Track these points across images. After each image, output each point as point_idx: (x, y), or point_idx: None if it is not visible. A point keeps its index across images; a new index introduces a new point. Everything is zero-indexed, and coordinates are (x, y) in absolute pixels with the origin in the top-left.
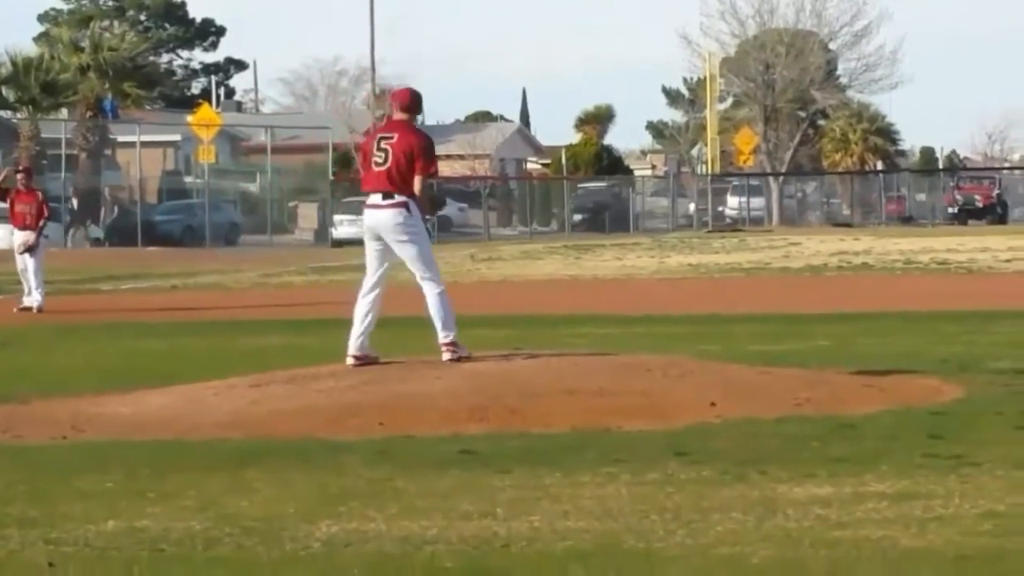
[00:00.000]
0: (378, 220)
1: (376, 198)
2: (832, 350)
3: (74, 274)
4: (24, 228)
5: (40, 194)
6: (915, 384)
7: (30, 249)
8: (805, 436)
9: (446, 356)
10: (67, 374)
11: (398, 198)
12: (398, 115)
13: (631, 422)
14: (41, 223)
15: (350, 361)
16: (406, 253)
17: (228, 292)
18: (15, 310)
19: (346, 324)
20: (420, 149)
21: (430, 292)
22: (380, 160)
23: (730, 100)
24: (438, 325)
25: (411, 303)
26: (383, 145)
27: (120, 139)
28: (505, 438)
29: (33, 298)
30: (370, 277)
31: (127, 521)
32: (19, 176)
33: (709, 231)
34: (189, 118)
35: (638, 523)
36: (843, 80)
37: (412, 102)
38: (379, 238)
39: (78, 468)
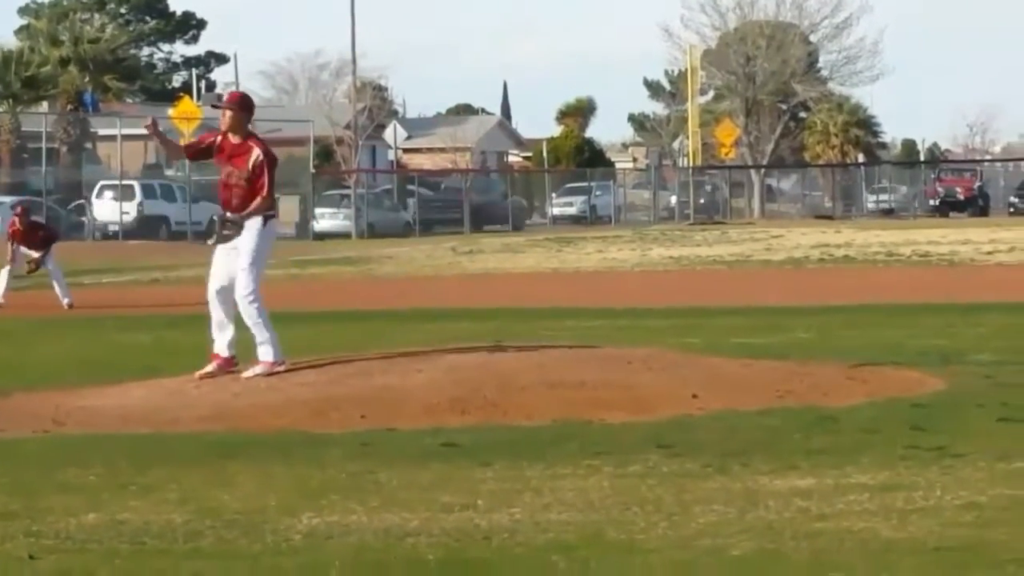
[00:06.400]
0: None
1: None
2: (814, 342)
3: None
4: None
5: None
6: (897, 376)
7: (38, 263)
8: (787, 428)
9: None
10: (49, 367)
11: None
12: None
13: (613, 414)
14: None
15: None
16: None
17: None
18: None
19: (330, 318)
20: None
21: None
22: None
23: (711, 93)
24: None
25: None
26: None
27: (101, 132)
28: (486, 431)
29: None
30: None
31: (108, 514)
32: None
33: (691, 224)
34: (170, 111)
35: (620, 515)
36: (824, 72)
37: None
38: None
39: (59, 461)
